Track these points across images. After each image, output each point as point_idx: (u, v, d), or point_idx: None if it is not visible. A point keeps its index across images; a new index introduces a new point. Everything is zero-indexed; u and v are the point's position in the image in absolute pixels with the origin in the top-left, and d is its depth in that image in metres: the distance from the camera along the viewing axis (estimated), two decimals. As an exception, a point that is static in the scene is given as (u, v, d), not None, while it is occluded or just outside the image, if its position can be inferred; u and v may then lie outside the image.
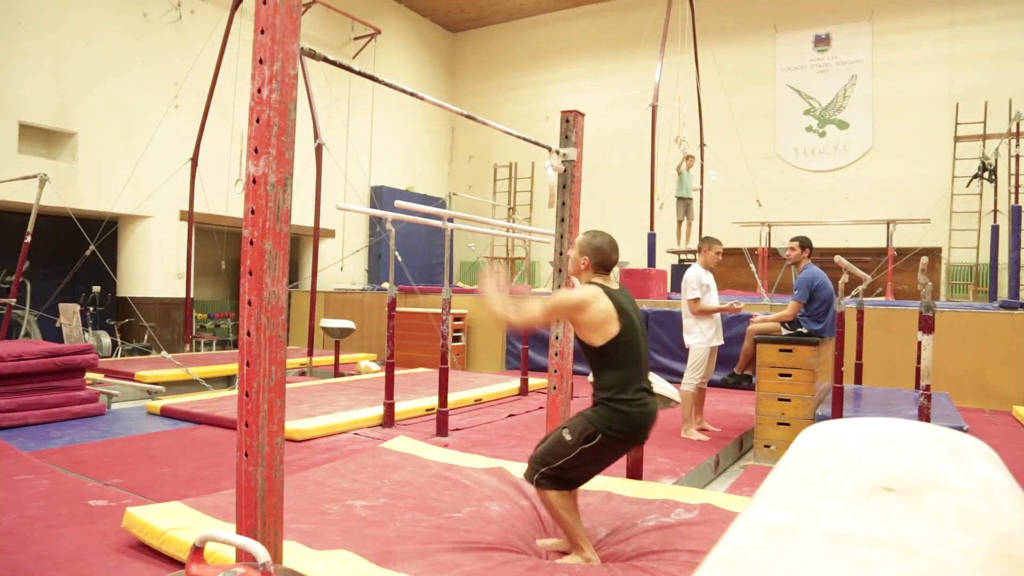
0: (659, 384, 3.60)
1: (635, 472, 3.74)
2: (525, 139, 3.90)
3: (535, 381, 7.56)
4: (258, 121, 2.00)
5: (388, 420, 5.47)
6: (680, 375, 8.23)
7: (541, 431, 4.58)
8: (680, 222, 10.78)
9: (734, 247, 9.62)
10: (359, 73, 2.65)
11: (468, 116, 3.39)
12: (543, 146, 3.87)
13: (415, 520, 3.02)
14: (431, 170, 15.67)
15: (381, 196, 13.33)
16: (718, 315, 5.39)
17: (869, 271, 6.39)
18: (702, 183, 11.57)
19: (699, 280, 5.28)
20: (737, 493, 3.99)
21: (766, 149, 12.60)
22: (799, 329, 5.15)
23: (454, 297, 9.50)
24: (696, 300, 5.26)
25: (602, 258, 2.81)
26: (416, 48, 15.24)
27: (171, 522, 2.78)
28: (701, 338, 5.29)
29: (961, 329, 7.27)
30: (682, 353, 8.47)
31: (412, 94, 2.92)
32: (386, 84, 2.78)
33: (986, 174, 9.92)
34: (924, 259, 3.54)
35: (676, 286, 10.46)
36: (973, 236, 10.76)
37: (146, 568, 2.62)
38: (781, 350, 5.07)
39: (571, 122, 3.98)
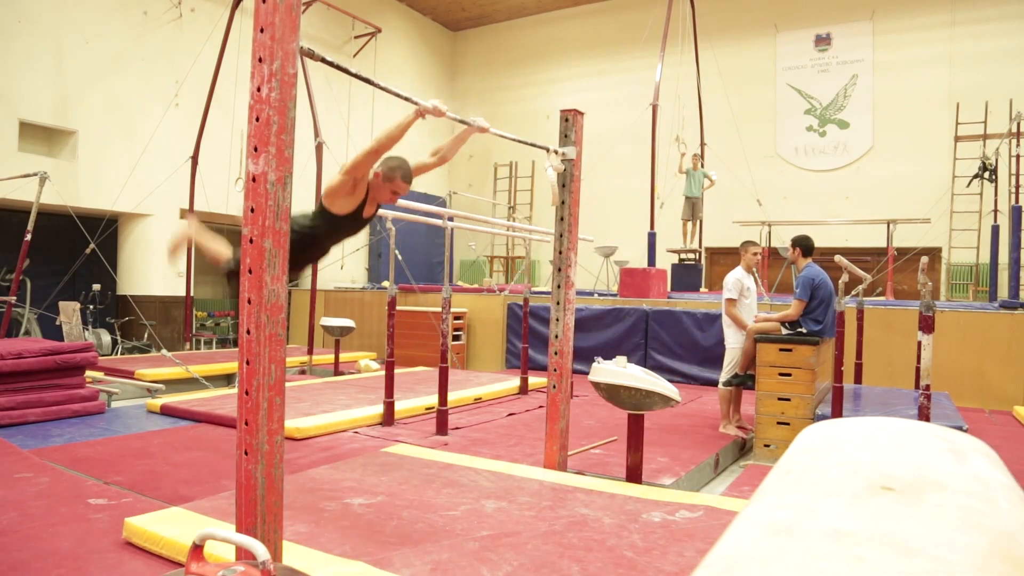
0: (658, 383, 3.60)
1: (635, 473, 3.74)
2: (522, 142, 3.90)
3: (535, 380, 7.56)
4: (258, 119, 2.00)
5: (388, 419, 5.47)
6: (682, 375, 8.36)
7: (541, 430, 4.59)
8: (686, 221, 10.75)
9: (734, 247, 9.62)
10: (356, 76, 2.64)
11: (463, 122, 3.36)
12: (540, 147, 3.87)
13: (413, 519, 3.02)
14: (431, 169, 15.65)
15: (381, 195, 13.30)
16: (755, 314, 5.59)
17: (869, 271, 6.39)
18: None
19: (737, 283, 5.48)
20: (737, 492, 3.99)
21: (766, 148, 12.60)
22: (799, 329, 5.15)
23: (454, 296, 9.52)
24: (731, 301, 5.45)
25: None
26: (416, 47, 15.24)
27: (171, 527, 2.78)
28: (736, 339, 5.45)
29: (961, 329, 7.27)
30: (682, 353, 8.56)
31: (409, 100, 2.90)
32: (383, 89, 2.78)
33: (986, 174, 9.92)
34: (924, 259, 3.54)
35: (676, 285, 10.47)
36: (973, 236, 10.76)
37: (146, 565, 2.62)
38: (781, 349, 5.07)
39: (571, 121, 3.98)
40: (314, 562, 2.46)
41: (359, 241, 13.34)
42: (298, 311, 11.04)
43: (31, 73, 8.78)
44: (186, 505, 3.15)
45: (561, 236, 3.97)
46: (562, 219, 3.97)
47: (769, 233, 10.14)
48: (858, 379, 6.83)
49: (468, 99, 15.47)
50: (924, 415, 3.38)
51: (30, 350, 5.39)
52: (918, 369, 5.78)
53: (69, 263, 8.93)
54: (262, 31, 2.00)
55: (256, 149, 2.00)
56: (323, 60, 2.41)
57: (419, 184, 15.78)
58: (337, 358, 8.56)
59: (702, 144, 11.93)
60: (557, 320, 3.95)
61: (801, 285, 5.15)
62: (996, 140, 10.05)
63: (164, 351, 7.76)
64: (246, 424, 2.02)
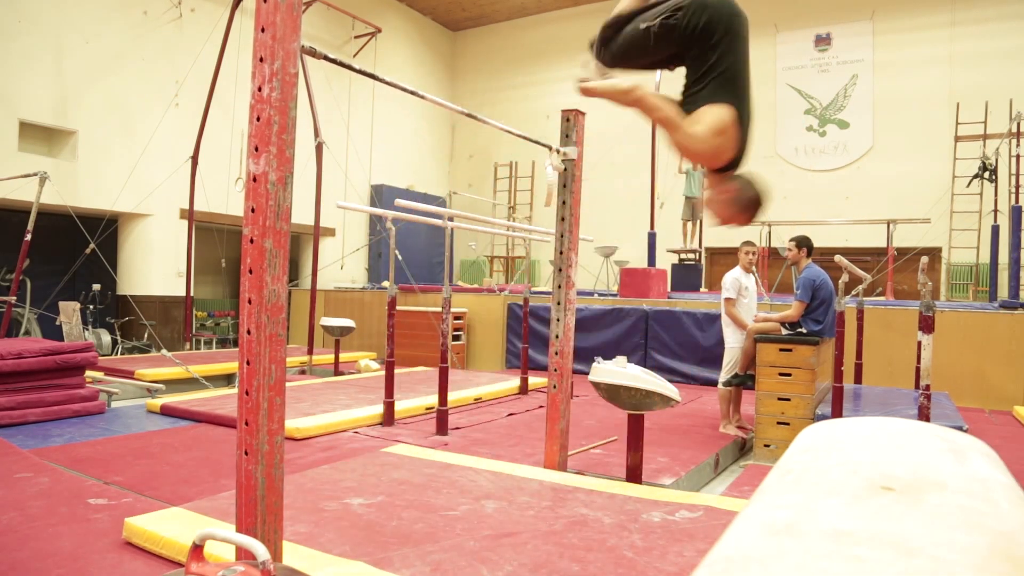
0: (658, 383, 3.60)
1: (635, 473, 3.75)
2: (525, 138, 3.90)
3: (535, 380, 7.56)
4: (259, 119, 1.99)
5: (388, 419, 5.47)
6: (682, 375, 8.35)
7: (541, 430, 4.60)
8: (686, 222, 10.75)
9: (734, 247, 9.64)
10: (360, 71, 2.65)
11: (468, 114, 3.40)
12: (544, 145, 3.87)
13: (413, 519, 3.02)
14: (431, 169, 15.67)
15: (381, 195, 13.33)
16: (754, 313, 5.61)
17: (869, 271, 6.39)
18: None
19: (735, 282, 5.50)
20: (737, 492, 3.99)
21: (766, 149, 12.59)
22: (799, 329, 5.16)
23: (454, 296, 9.52)
24: (730, 301, 5.46)
25: None
26: (417, 47, 15.24)
27: (171, 527, 2.78)
28: (735, 338, 5.45)
29: (961, 329, 7.27)
30: (683, 353, 8.55)
31: (412, 92, 2.92)
32: (386, 82, 2.78)
33: (986, 174, 9.92)
34: (924, 259, 3.54)
35: (676, 285, 10.47)
36: (973, 236, 10.76)
37: (146, 566, 2.62)
38: (781, 349, 5.07)
39: (572, 121, 3.98)
40: (314, 562, 2.46)
41: (359, 241, 13.35)
42: (298, 311, 11.04)
43: (31, 73, 8.78)
44: (186, 505, 3.15)
45: (562, 236, 3.97)
46: (563, 219, 3.97)
47: (769, 233, 10.14)
48: (858, 379, 6.83)
49: (468, 99, 15.46)
50: (924, 415, 3.38)
51: (30, 350, 5.39)
52: (918, 369, 5.78)
53: (69, 263, 8.93)
54: (263, 31, 2.00)
55: (257, 149, 2.00)
56: (325, 57, 2.41)
57: (420, 184, 15.81)
58: (337, 358, 8.56)
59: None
60: (558, 320, 3.95)
61: (802, 286, 5.15)
62: (996, 140, 10.05)
63: (164, 351, 7.76)
64: (246, 424, 2.02)
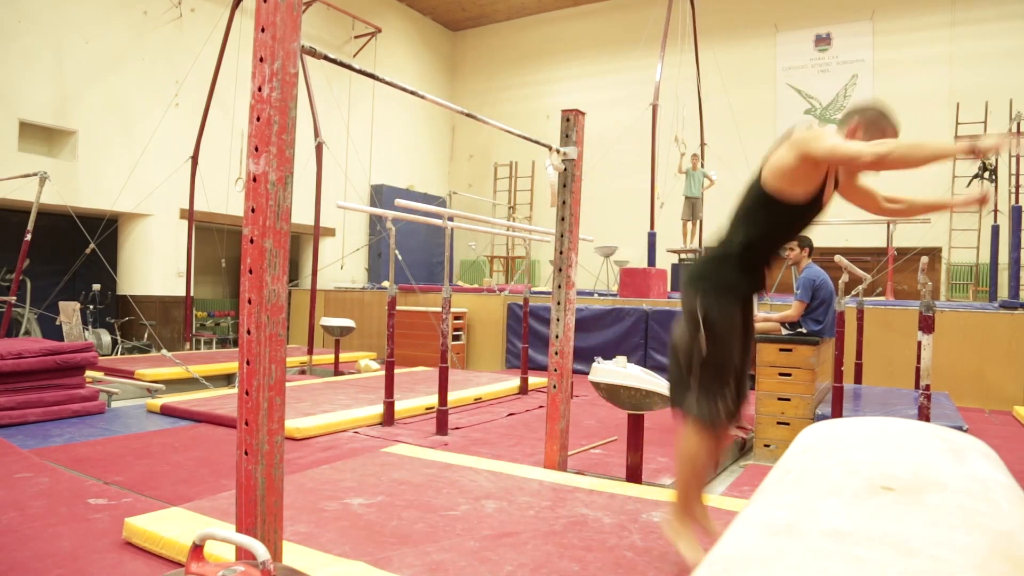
0: (658, 383, 3.60)
1: (635, 473, 3.75)
2: (525, 138, 3.90)
3: (535, 380, 7.56)
4: (258, 119, 1.99)
5: (388, 419, 5.47)
6: (680, 374, 8.34)
7: (541, 430, 4.60)
8: (686, 221, 10.75)
9: (734, 246, 9.63)
10: (359, 71, 2.65)
11: (468, 114, 3.39)
12: (544, 145, 3.87)
13: (413, 519, 3.02)
14: (431, 169, 15.67)
15: (381, 195, 13.33)
16: (755, 314, 5.54)
17: (869, 271, 6.39)
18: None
19: None
20: (737, 492, 3.99)
21: (766, 148, 12.58)
22: (799, 329, 5.16)
23: (454, 296, 9.53)
24: None
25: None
26: (417, 47, 15.24)
27: (171, 527, 2.78)
28: None
29: (961, 329, 7.27)
30: (682, 352, 8.55)
31: (412, 92, 2.92)
32: (386, 82, 2.78)
33: (986, 174, 9.93)
34: (924, 259, 3.54)
35: (676, 286, 10.47)
36: (973, 236, 10.76)
37: (146, 566, 2.62)
38: (781, 349, 5.07)
39: (572, 121, 3.98)
40: (314, 562, 2.46)
41: (359, 241, 13.35)
42: (298, 311, 11.04)
43: (31, 73, 8.78)
44: (186, 505, 3.15)
45: (562, 236, 3.97)
46: (563, 219, 3.97)
47: (769, 233, 10.14)
48: (858, 379, 6.83)
49: (468, 99, 15.47)
50: (924, 415, 3.38)
51: (30, 350, 5.39)
52: (918, 369, 5.78)
53: (69, 263, 8.93)
54: (263, 31, 2.00)
55: (257, 149, 2.00)
56: (325, 57, 2.41)
57: (419, 184, 15.83)
58: (337, 358, 8.56)
59: (702, 144, 11.93)
60: (558, 320, 3.95)
61: (802, 286, 5.15)
62: (996, 140, 10.05)
63: (164, 351, 7.76)
64: (246, 424, 2.02)
